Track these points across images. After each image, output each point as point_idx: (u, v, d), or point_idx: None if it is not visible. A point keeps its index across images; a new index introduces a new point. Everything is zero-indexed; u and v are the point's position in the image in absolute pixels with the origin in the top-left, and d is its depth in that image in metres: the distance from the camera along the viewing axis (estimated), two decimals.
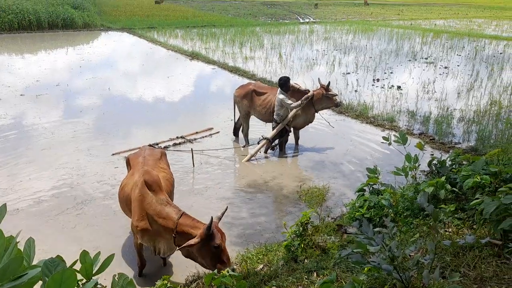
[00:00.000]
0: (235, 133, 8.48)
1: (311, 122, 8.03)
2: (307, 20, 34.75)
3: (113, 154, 7.53)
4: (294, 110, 7.66)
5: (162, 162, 4.86)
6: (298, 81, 13.00)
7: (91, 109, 10.23)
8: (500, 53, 19.04)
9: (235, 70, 14.82)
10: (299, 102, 7.45)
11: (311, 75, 14.09)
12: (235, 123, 8.46)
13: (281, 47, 20.09)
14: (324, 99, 7.94)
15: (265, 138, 7.66)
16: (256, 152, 7.58)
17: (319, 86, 7.97)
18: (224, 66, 15.54)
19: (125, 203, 4.40)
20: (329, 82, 8.20)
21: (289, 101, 7.42)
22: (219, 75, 14.58)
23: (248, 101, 7.94)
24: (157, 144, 8.04)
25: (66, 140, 8.16)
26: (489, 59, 17.29)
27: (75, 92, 11.78)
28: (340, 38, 23.38)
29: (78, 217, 5.61)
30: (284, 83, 7.45)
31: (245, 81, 13.51)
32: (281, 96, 7.44)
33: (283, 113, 7.55)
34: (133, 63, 16.53)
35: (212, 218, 3.68)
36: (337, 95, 7.98)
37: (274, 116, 7.65)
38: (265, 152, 7.82)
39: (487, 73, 14.55)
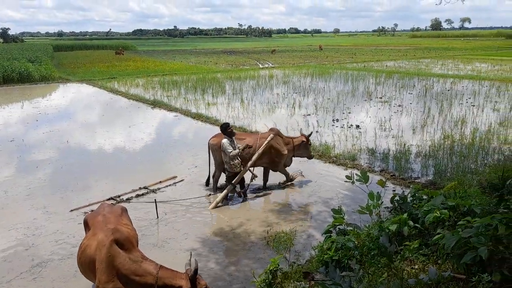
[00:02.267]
0: (208, 183, 8.23)
1: (288, 166, 8.38)
2: (267, 66, 35.96)
3: (71, 210, 7.19)
4: (256, 156, 7.70)
5: (124, 218, 4.69)
6: (260, 124, 13.21)
7: (48, 163, 9.84)
8: (448, 90, 20.37)
9: (198, 117, 14.88)
10: (237, 151, 7.45)
11: (273, 118, 14.37)
12: (210, 174, 8.23)
13: (243, 92, 20.51)
14: (303, 147, 8.35)
15: (230, 184, 7.60)
16: (222, 199, 7.48)
17: (299, 135, 8.53)
18: (186, 113, 15.59)
19: (88, 266, 4.14)
20: (311, 133, 8.70)
21: (230, 148, 7.43)
22: (181, 122, 14.58)
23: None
24: (118, 196, 7.77)
25: (21, 198, 7.74)
26: (438, 96, 18.40)
27: (31, 146, 11.35)
28: (299, 82, 24.24)
29: (35, 282, 5.21)
30: (223, 130, 7.55)
31: (209, 127, 13.57)
32: (223, 141, 7.48)
33: (228, 160, 7.53)
34: (92, 114, 16.26)
35: (196, 262, 3.65)
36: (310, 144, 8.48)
37: (225, 166, 7.64)
38: (241, 196, 7.74)
39: (438, 109, 15.43)
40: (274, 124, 12.96)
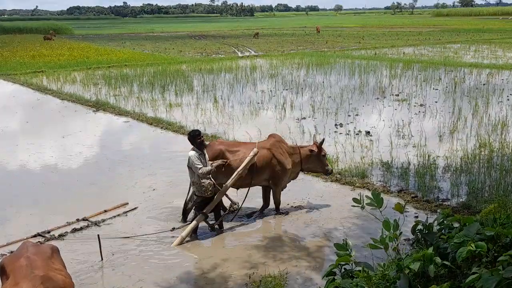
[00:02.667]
0: (185, 215, 8.17)
1: (292, 179, 8.68)
2: (248, 54, 36.25)
3: None
4: (236, 175, 7.71)
5: (56, 261, 4.62)
6: (240, 131, 13.25)
7: None
8: (484, 84, 20.85)
9: (156, 122, 14.86)
10: (209, 168, 7.41)
11: (257, 123, 14.45)
12: (186, 202, 8.21)
13: (216, 89, 20.59)
14: (314, 159, 8.49)
15: (201, 213, 7.57)
16: (189, 233, 7.44)
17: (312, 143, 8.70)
18: (141, 118, 15.56)
19: None
20: (323, 139, 8.76)
21: (199, 163, 7.36)
22: (134, 129, 14.53)
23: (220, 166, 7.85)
24: (48, 232, 7.67)
25: None
26: (471, 92, 18.83)
27: None
28: (290, 75, 24.49)
29: None
30: (191, 139, 7.51)
31: (171, 136, 13.56)
32: (191, 154, 7.40)
33: (198, 179, 7.44)
34: (12, 120, 16.04)
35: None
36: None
37: (192, 188, 7.57)
38: (214, 229, 7.70)
39: (471, 109, 15.79)
40: (259, 131, 13.04)
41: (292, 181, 8.75)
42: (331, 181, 9.67)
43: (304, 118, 15.22)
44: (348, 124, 14.34)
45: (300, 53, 35.10)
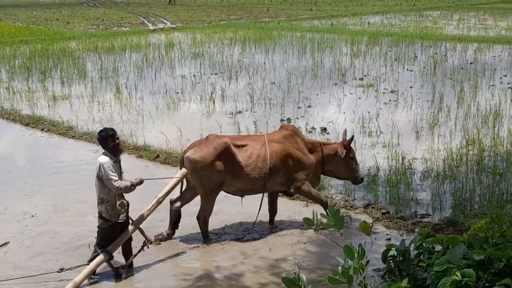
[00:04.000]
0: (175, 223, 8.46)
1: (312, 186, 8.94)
2: (162, 26, 36.03)
3: None
4: (151, 206, 7.64)
5: None
6: (153, 132, 13.11)
7: None
8: (471, 63, 21.72)
9: (34, 122, 14.52)
10: (128, 183, 7.27)
11: (176, 119, 14.40)
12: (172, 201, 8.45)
13: (119, 74, 20.34)
14: (339, 161, 8.75)
15: (103, 251, 7.34)
16: (86, 275, 7.25)
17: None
18: (12, 116, 15.19)
19: None
20: (352, 137, 8.98)
21: (114, 175, 7.24)
22: (3, 133, 14.15)
23: (224, 164, 8.13)
24: None
25: None
26: (455, 74, 19.59)
27: None
28: (220, 54, 24.55)
29: None
30: (102, 140, 7.37)
31: (55, 141, 13.23)
32: (102, 162, 7.22)
33: (110, 195, 7.27)
34: None
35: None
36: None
37: (98, 207, 7.40)
38: (120, 273, 7.53)
39: (455, 95, 16.41)
40: (178, 131, 12.96)
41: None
42: (279, 195, 9.69)
43: (240, 112, 15.29)
44: (298, 118, 14.51)
45: (233, 25, 35.20)
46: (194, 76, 20.01)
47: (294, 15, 42.42)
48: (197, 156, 8.12)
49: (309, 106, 15.74)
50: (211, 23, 37.26)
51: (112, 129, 7.45)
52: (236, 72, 20.61)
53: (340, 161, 8.75)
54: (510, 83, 18.17)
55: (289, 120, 14.32)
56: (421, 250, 5.24)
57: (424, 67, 21.00)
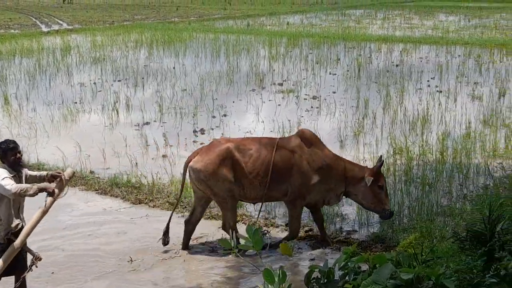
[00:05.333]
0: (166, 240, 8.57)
1: (333, 204, 8.96)
2: (57, 28, 35.30)
3: None
4: (23, 235, 7.36)
5: None
6: (48, 148, 12.78)
7: None
8: (397, 65, 22.35)
9: None
10: (27, 186, 7.02)
11: (74, 134, 14.10)
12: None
13: (8, 83, 19.73)
14: (364, 188, 8.44)
15: None
16: None
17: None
18: None
19: None
20: (382, 161, 8.62)
21: (9, 181, 6.89)
22: None
23: (228, 171, 8.20)
24: None
25: None
26: (380, 77, 20.08)
27: None
28: (125, 58, 24.29)
29: None
30: (2, 153, 7.13)
31: None
32: None
33: (3, 212, 7.00)
34: None
35: None
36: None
37: None
38: None
39: (381, 101, 16.82)
40: (77, 146, 12.69)
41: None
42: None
43: (148, 123, 15.14)
44: (212, 129, 14.49)
45: (138, 25, 34.92)
46: (95, 83, 19.62)
47: (207, 15, 42.48)
48: (199, 166, 8.25)
49: (225, 115, 15.75)
50: (113, 23, 36.79)
51: (14, 142, 7.19)
52: (143, 78, 20.40)
53: (366, 188, 8.44)
54: (438, 86, 18.78)
55: (202, 131, 14.28)
56: (346, 271, 5.26)
57: (348, 71, 21.42)
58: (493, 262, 4.98)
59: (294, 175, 8.44)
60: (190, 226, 8.67)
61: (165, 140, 13.50)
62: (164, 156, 12.49)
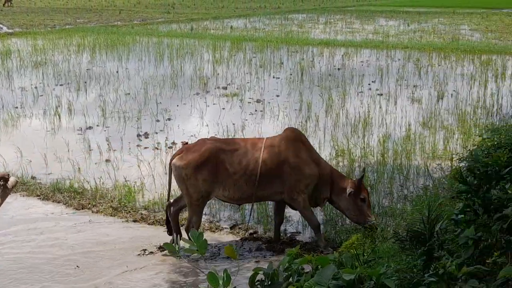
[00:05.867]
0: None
1: (316, 206, 8.90)
2: None
3: None
4: None
5: None
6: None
7: None
8: (339, 69, 22.64)
9: None
10: None
11: (14, 139, 13.87)
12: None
13: None
14: (348, 199, 8.42)
15: None
16: None
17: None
18: None
19: None
20: (363, 174, 8.63)
21: None
22: None
23: (211, 171, 8.21)
24: None
25: None
26: (323, 81, 20.33)
27: None
28: (67, 62, 24.03)
29: None
30: None
31: None
32: None
33: None
34: None
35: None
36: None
37: None
38: None
39: (323, 104, 17.02)
40: (18, 151, 12.48)
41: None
42: (133, 220, 9.61)
43: (90, 127, 14.99)
44: (157, 133, 14.45)
45: (81, 29, 34.54)
46: (36, 88, 19.34)
47: (150, 19, 42.22)
48: (182, 163, 8.22)
49: (169, 119, 15.71)
50: (55, 27, 36.29)
51: None
52: (85, 82, 20.17)
53: (348, 200, 8.42)
54: (379, 89, 19.09)
55: (146, 135, 14.21)
56: (289, 272, 5.30)
57: (291, 74, 21.60)
58: (433, 261, 5.09)
59: (287, 171, 8.42)
60: (174, 208, 8.75)
61: (108, 144, 13.37)
62: (107, 160, 12.41)
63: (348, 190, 8.35)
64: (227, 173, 8.32)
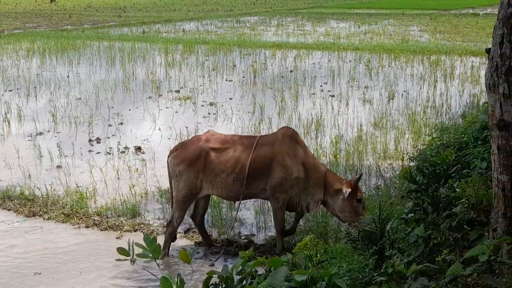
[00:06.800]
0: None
1: (310, 210, 8.77)
2: None
3: None
4: None
5: None
6: None
7: None
8: (291, 71, 22.75)
9: None
10: None
11: None
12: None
13: None
14: (342, 199, 8.29)
15: None
16: None
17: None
18: None
19: None
20: (360, 175, 8.42)
21: None
22: None
23: (201, 169, 8.32)
24: None
25: None
26: (275, 83, 20.41)
27: None
28: (16, 67, 23.74)
29: None
30: None
31: None
32: None
33: None
34: None
35: None
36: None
37: None
38: None
39: (276, 106, 17.08)
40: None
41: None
42: (86, 226, 9.51)
43: (41, 133, 14.80)
44: (109, 138, 14.32)
45: (30, 34, 34.07)
46: None
47: (101, 22, 41.85)
48: (176, 160, 8.38)
49: (121, 123, 15.58)
50: (3, 32, 35.71)
51: None
52: (35, 88, 19.90)
53: (344, 201, 8.28)
54: (331, 91, 19.23)
55: (98, 140, 14.08)
56: (243, 275, 5.32)
57: (244, 77, 21.63)
58: (384, 260, 5.16)
59: (275, 169, 8.40)
60: (197, 219, 8.86)
61: (59, 150, 13.20)
62: (58, 166, 12.26)
63: (345, 190, 8.24)
64: (216, 172, 8.39)
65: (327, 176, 8.54)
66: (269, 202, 9.06)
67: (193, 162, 8.36)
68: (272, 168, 8.40)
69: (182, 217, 8.65)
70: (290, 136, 8.65)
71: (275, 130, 14.38)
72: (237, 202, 8.73)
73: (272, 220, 9.17)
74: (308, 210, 8.75)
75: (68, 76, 21.84)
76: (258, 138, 8.71)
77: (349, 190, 8.20)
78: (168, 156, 8.68)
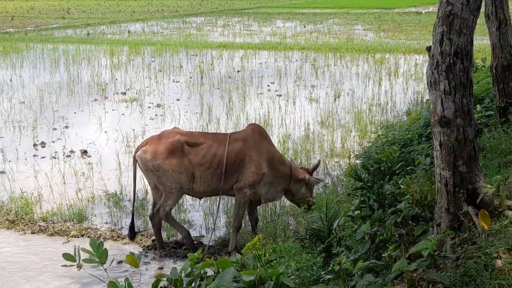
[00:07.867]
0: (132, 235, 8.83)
1: (273, 200, 9.34)
2: None
3: None
4: None
5: None
6: None
7: None
8: (238, 71, 22.78)
9: None
10: None
11: None
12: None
13: None
14: (304, 186, 9.02)
15: None
16: None
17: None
18: None
19: None
20: (319, 162, 9.70)
21: None
22: None
23: (179, 162, 8.33)
24: None
25: None
26: (223, 83, 20.42)
27: None
28: None
29: None
30: None
31: None
32: None
33: None
34: None
35: None
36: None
37: None
38: None
39: (224, 106, 17.09)
40: None
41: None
42: (32, 232, 9.36)
43: None
44: (54, 142, 14.12)
45: None
46: None
47: (44, 25, 41.24)
48: (148, 155, 8.27)
49: (66, 127, 15.38)
50: None
51: None
52: None
53: (304, 188, 9.01)
54: (278, 90, 19.32)
55: (43, 144, 13.87)
56: (192, 277, 5.31)
57: (191, 78, 21.60)
58: (332, 258, 5.20)
59: (247, 164, 8.58)
60: (156, 219, 8.68)
61: (3, 155, 12.97)
62: (2, 172, 12.02)
63: (307, 177, 8.96)
64: (193, 166, 8.44)
65: (292, 169, 9.02)
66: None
67: (170, 155, 8.34)
68: (245, 163, 8.62)
69: (174, 205, 8.77)
70: (259, 133, 8.98)
71: (223, 130, 14.50)
72: (201, 200, 9.23)
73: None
74: (273, 200, 9.32)
75: (11, 80, 21.48)
76: (230, 134, 8.89)
77: (310, 177, 9.04)
78: (136, 152, 8.61)
